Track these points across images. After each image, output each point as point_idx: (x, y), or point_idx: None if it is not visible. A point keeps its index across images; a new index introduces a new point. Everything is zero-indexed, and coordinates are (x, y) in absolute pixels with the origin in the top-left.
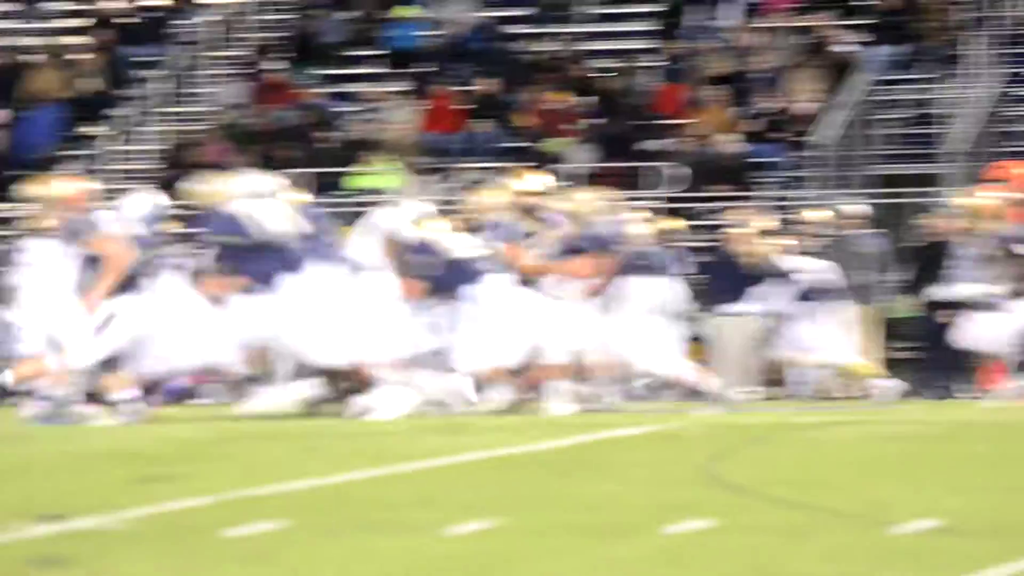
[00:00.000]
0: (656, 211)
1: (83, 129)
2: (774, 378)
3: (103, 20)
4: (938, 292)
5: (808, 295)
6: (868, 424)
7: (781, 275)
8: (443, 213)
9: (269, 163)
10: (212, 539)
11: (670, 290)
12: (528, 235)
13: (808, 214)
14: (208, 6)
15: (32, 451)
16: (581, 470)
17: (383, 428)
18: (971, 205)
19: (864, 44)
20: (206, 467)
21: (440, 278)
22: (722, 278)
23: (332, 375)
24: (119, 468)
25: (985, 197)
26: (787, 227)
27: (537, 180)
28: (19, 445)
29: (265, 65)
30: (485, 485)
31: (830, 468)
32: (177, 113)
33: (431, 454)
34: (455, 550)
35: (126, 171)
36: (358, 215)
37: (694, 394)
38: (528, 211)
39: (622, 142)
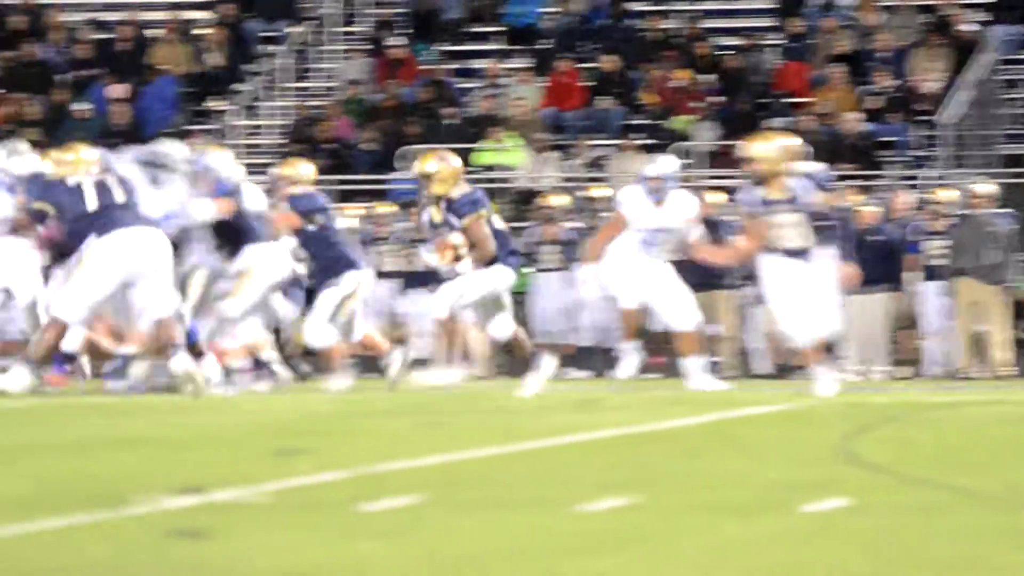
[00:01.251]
0: None
1: (207, 104)
2: (907, 357)
3: None
4: None
5: (936, 273)
6: (1002, 404)
7: (908, 253)
8: (564, 190)
9: (392, 138)
10: (348, 513)
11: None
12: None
13: (939, 193)
14: None
15: (175, 423)
16: (715, 448)
17: (514, 405)
18: None
19: (988, 23)
20: (340, 441)
21: None
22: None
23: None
24: (257, 441)
25: None
26: (920, 206)
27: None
28: (170, 416)
29: (387, 41)
30: (619, 462)
31: (965, 448)
32: (300, 88)
33: (563, 431)
34: (588, 527)
35: (249, 146)
36: (488, 192)
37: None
38: None
39: (746, 120)
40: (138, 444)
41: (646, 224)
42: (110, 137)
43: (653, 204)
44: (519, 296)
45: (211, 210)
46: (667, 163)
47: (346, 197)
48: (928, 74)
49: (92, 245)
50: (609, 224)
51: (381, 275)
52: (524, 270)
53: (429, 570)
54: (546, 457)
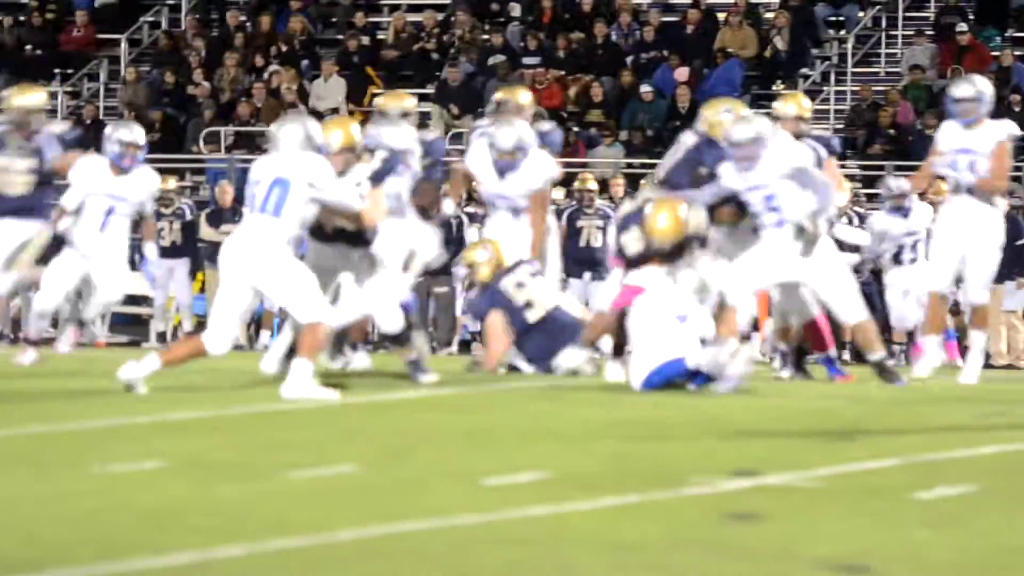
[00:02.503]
0: None
1: (773, 88)
2: None
3: None
4: None
5: None
6: None
7: None
8: None
9: None
10: (901, 500)
11: None
12: None
13: None
14: None
15: (735, 406)
16: None
17: None
18: None
19: None
20: (893, 428)
21: None
22: None
23: None
24: (810, 426)
25: None
26: None
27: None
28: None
29: (951, 25)
30: None
31: None
32: (864, 73)
33: None
34: None
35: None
36: None
37: None
38: None
39: None
40: (698, 427)
41: None
42: (673, 119)
43: None
44: None
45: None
46: None
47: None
48: None
49: None
50: None
51: None
52: None
53: (984, 560)
54: None
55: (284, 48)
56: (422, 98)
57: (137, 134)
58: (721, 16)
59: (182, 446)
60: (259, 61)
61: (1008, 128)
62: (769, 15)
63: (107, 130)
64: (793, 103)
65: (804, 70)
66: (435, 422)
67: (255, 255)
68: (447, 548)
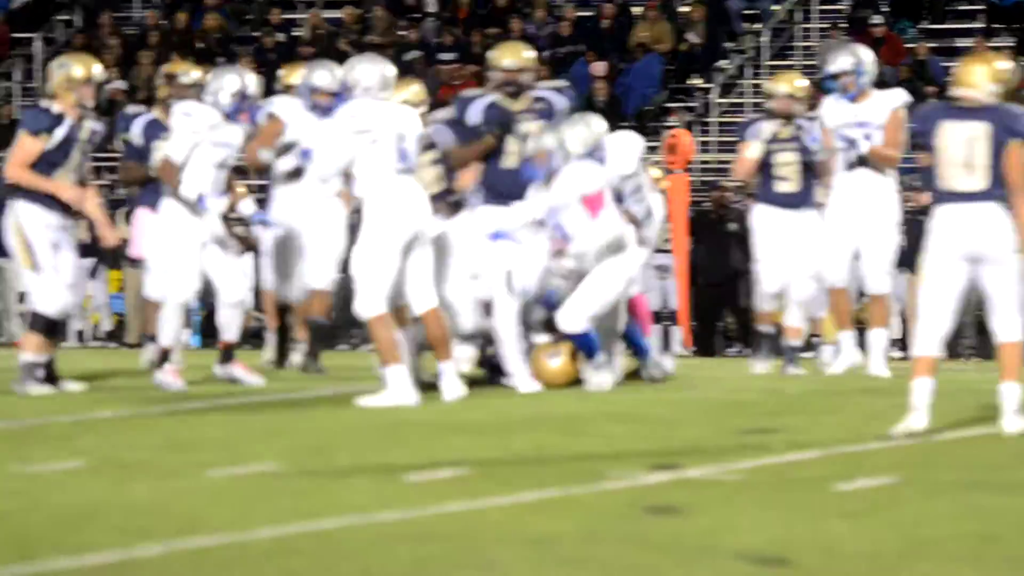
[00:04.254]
0: None
1: (689, 82)
2: None
3: None
4: None
5: None
6: None
7: None
8: None
9: None
10: (821, 492)
11: None
12: None
13: None
14: None
15: (644, 401)
16: None
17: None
18: None
19: None
20: (812, 420)
21: None
22: None
23: None
24: (732, 419)
25: None
26: None
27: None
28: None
29: (864, 18)
30: None
31: None
32: (780, 66)
33: None
34: None
35: (727, 123)
36: None
37: None
38: None
39: None
40: (617, 420)
41: None
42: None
43: None
44: None
45: None
46: None
47: None
48: None
49: None
50: None
51: None
52: None
53: (901, 551)
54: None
55: (200, 46)
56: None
57: None
58: (637, 10)
59: (100, 445)
60: (176, 59)
61: (902, 96)
62: (684, 9)
63: None
64: (785, 83)
65: (720, 63)
66: (356, 418)
67: None
68: (365, 545)
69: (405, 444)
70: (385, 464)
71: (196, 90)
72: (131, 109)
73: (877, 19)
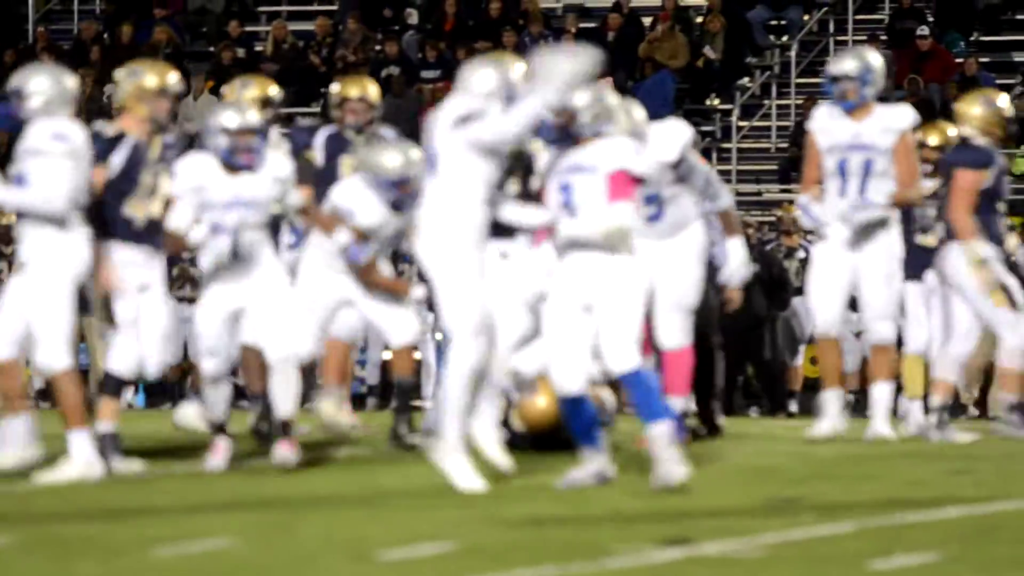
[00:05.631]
0: None
1: (707, 102)
2: None
3: None
4: None
5: None
6: None
7: None
8: None
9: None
10: (855, 570)
11: None
12: None
13: None
14: None
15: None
16: None
17: None
18: None
19: None
20: (845, 488)
21: None
22: None
23: None
24: (752, 488)
25: None
26: None
27: None
28: None
29: (908, 29)
30: None
31: None
32: (809, 85)
33: None
34: None
35: (750, 150)
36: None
37: None
38: None
39: None
40: (623, 489)
41: None
42: None
43: None
44: None
45: None
46: None
47: None
48: None
49: None
50: None
51: None
52: None
53: None
54: None
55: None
56: (310, 116)
57: None
58: (646, 21)
59: (36, 519)
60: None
61: (909, 116)
62: (701, 20)
63: None
64: None
65: (742, 81)
66: (323, 486)
67: None
68: None
69: (379, 516)
70: (357, 539)
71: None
72: (304, 122)
73: (923, 30)
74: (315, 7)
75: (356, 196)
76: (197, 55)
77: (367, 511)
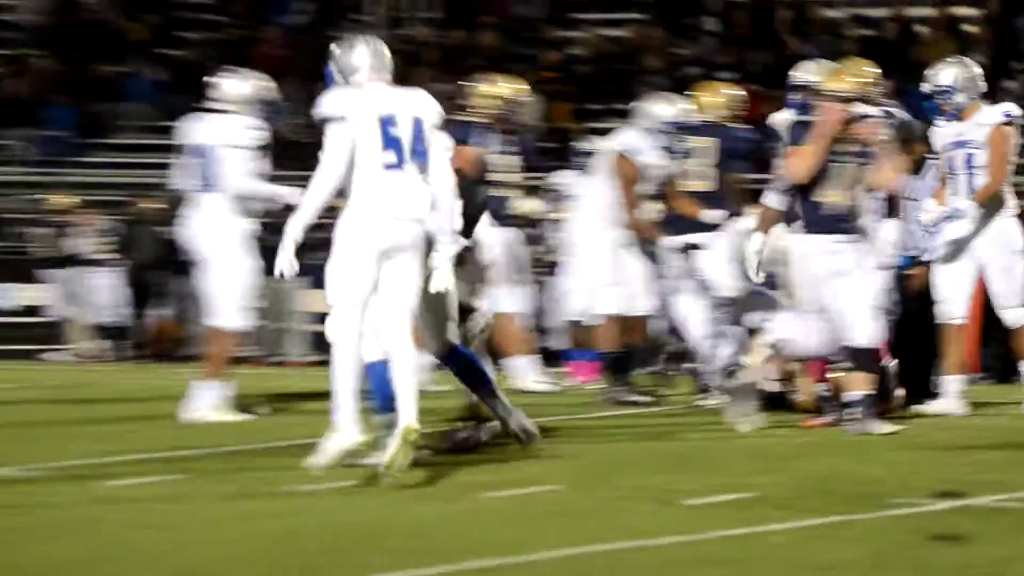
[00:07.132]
0: None
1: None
2: None
3: None
4: None
5: None
6: None
7: None
8: None
9: None
10: None
11: None
12: None
13: None
14: None
15: (927, 427)
16: None
17: None
18: None
19: None
20: None
21: None
22: None
23: None
24: (1019, 445)
25: None
26: None
27: None
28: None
29: None
30: None
31: None
32: None
33: None
34: None
35: None
36: None
37: None
38: None
39: None
40: (901, 447)
41: None
42: None
43: None
44: None
45: None
46: None
47: None
48: None
49: None
50: None
51: None
52: None
53: None
54: None
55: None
56: (619, 114)
57: None
58: (921, 28)
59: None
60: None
61: (1000, 110)
62: (970, 28)
63: None
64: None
65: (1006, 83)
66: (635, 445)
67: None
68: (646, 568)
69: (686, 469)
70: (666, 489)
71: None
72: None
73: None
74: (623, 15)
75: None
76: (517, 57)
77: (673, 464)
